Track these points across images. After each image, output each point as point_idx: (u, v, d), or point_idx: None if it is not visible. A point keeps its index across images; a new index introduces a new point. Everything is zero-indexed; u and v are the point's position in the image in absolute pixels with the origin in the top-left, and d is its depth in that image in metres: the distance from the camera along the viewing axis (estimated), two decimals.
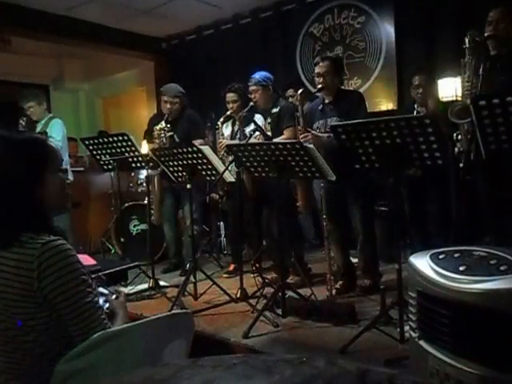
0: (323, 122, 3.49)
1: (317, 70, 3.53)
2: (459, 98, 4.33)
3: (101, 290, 1.70)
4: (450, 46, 4.70)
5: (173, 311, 1.50)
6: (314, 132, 3.41)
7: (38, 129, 4.70)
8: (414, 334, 1.92)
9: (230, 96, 4.28)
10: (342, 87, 3.75)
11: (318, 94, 3.64)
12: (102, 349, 1.30)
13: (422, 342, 1.85)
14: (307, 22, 5.81)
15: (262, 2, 5.93)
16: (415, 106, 4.07)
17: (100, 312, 1.41)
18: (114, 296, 1.74)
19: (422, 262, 1.89)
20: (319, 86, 3.50)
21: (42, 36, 6.27)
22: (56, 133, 4.74)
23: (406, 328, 2.36)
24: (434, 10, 4.85)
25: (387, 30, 5.25)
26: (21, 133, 1.54)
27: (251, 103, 3.96)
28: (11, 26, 5.82)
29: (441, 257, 1.88)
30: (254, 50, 6.14)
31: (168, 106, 4.37)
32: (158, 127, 4.28)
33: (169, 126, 4.29)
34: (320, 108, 3.59)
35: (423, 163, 2.62)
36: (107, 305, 1.65)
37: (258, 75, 4.00)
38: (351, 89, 5.16)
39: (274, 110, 3.96)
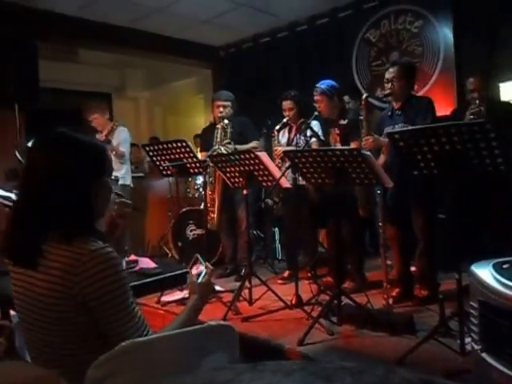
0: (391, 128, 3.41)
1: (386, 75, 3.50)
2: None
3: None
4: None
5: (209, 323, 1.48)
6: (375, 136, 3.40)
7: (102, 137, 4.92)
8: (476, 347, 1.87)
9: (287, 104, 4.31)
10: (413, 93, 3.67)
11: (388, 101, 3.62)
12: (129, 357, 1.30)
13: (484, 355, 1.80)
14: (363, 28, 5.78)
15: (318, 10, 5.94)
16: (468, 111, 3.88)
17: (138, 320, 1.41)
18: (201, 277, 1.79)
19: (485, 272, 1.84)
20: (387, 91, 3.48)
21: (107, 47, 6.60)
22: (124, 140, 4.95)
23: (467, 340, 2.30)
24: (495, 12, 4.69)
25: (445, 33, 5.13)
26: (88, 137, 1.57)
27: (316, 112, 3.97)
28: (79, 39, 6.17)
29: (504, 266, 1.83)
30: (310, 57, 6.16)
31: (221, 109, 4.45)
32: (219, 125, 4.40)
33: (228, 121, 4.39)
34: (389, 114, 3.57)
35: (485, 169, 2.53)
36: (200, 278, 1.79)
37: (324, 84, 4.00)
38: (421, 95, 5.05)
39: (342, 122, 3.96)
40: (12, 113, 5.12)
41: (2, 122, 5.27)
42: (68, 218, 1.41)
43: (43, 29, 5.59)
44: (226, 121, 4.39)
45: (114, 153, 4.83)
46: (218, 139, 4.42)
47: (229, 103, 4.50)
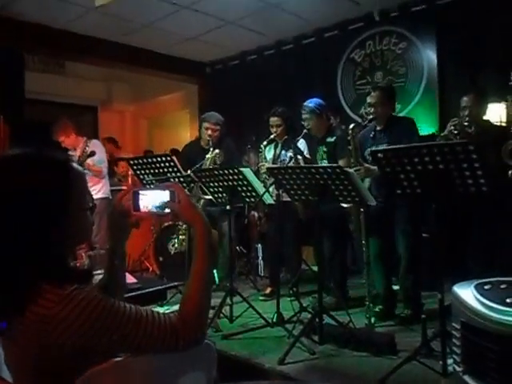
0: (374, 148, 3.40)
1: (368, 99, 3.56)
2: (504, 124, 4.21)
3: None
4: (495, 71, 4.62)
5: None
6: (366, 165, 3.38)
7: (78, 153, 4.85)
8: (458, 368, 1.85)
9: (274, 120, 4.30)
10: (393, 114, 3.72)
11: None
12: (105, 378, 1.18)
13: (466, 377, 1.78)
14: (348, 48, 5.88)
15: (304, 29, 6.02)
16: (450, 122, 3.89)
17: (154, 325, 1.12)
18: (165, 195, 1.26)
19: (467, 292, 1.84)
20: (370, 116, 3.53)
21: (94, 61, 6.60)
22: (99, 156, 4.89)
23: (449, 361, 2.28)
24: (478, 35, 4.81)
25: (429, 55, 5.25)
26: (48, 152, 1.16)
27: (304, 130, 3.97)
28: (66, 51, 6.17)
29: (486, 287, 1.82)
30: (296, 75, 6.22)
31: (209, 132, 4.41)
32: (210, 155, 4.26)
33: (219, 151, 4.31)
34: (372, 135, 3.58)
35: (467, 190, 2.54)
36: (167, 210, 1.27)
37: (312, 103, 4.01)
38: (402, 115, 5.07)
39: (330, 140, 3.97)
40: None
41: None
42: (35, 267, 1.09)
43: (30, 41, 5.59)
44: (217, 150, 4.29)
45: (90, 168, 4.80)
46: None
47: (218, 127, 4.45)
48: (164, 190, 1.26)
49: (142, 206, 1.28)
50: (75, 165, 1.21)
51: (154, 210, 1.28)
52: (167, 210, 1.26)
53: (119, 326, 1.08)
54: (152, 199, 1.27)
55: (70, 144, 5.00)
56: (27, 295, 1.06)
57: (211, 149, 4.29)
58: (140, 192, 1.28)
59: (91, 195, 1.40)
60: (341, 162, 3.82)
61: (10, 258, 1.08)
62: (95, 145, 5.01)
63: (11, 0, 4.91)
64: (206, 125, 4.46)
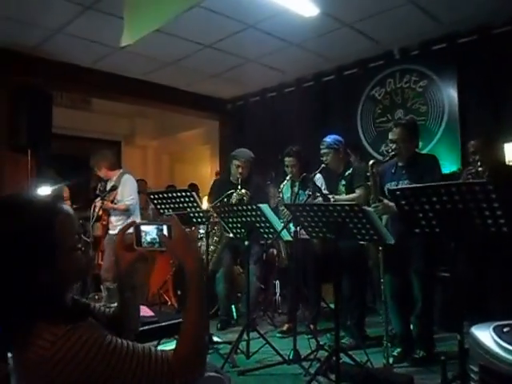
0: (395, 184, 3.42)
1: (390, 136, 3.53)
2: None
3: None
4: None
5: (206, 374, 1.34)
6: (385, 201, 3.33)
7: (110, 184, 4.96)
8: None
9: (289, 160, 4.35)
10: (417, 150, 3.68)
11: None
12: None
13: None
14: (369, 86, 5.93)
15: (324, 67, 6.12)
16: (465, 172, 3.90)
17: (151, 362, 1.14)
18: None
19: (485, 335, 1.81)
20: (392, 152, 3.49)
21: (120, 98, 6.81)
22: (128, 191, 4.98)
23: None
24: (499, 73, 4.82)
25: (450, 93, 5.25)
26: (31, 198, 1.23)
27: (322, 165, 3.98)
28: (92, 89, 6.38)
29: (505, 330, 1.80)
30: (316, 112, 6.29)
31: (240, 170, 4.43)
32: (238, 194, 4.32)
33: (246, 191, 4.35)
34: (393, 171, 3.54)
35: (487, 230, 2.52)
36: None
37: (330, 139, 4.09)
38: (425, 153, 5.06)
39: (348, 172, 4.02)
40: (25, 157, 5.27)
41: (15, 166, 5.42)
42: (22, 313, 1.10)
43: (58, 79, 5.80)
44: (243, 190, 4.33)
45: (111, 207, 4.89)
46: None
47: (248, 164, 4.48)
48: (162, 224, 1.26)
49: (143, 241, 1.28)
50: (64, 206, 1.21)
51: (154, 246, 1.27)
52: None
53: (116, 363, 1.10)
54: (153, 234, 1.27)
55: (103, 175, 5.13)
56: (22, 336, 1.09)
57: (239, 186, 4.33)
58: (141, 227, 1.28)
59: (81, 235, 1.40)
60: (357, 191, 3.85)
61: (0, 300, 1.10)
62: (125, 179, 5.06)
63: (41, 41, 5.14)
64: (236, 162, 4.48)
